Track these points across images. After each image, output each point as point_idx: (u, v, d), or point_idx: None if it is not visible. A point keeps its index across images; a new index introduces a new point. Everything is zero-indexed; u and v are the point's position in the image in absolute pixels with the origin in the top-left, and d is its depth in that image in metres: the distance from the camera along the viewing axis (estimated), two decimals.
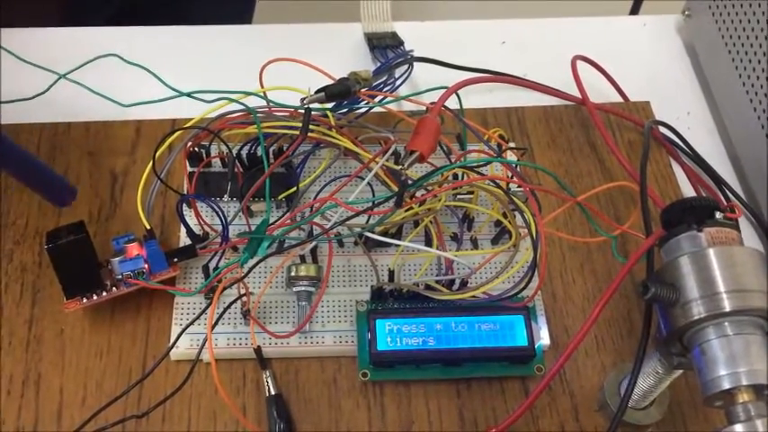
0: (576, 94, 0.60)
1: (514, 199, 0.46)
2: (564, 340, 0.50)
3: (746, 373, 0.36)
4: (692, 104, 0.65)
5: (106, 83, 0.56)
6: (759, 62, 0.58)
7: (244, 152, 0.51)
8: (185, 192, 0.52)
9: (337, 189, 0.48)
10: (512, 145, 0.57)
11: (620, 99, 0.63)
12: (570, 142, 0.60)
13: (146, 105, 0.54)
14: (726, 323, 0.37)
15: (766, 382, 0.36)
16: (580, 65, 0.61)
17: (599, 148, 0.59)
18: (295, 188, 0.51)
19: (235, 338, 0.48)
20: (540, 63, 0.63)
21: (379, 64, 0.60)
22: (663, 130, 0.60)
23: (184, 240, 0.51)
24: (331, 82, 0.49)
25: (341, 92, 0.47)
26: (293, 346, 0.48)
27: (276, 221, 0.48)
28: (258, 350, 0.47)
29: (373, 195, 0.49)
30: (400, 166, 0.42)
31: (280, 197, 0.51)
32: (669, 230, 0.41)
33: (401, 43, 0.63)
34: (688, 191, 0.58)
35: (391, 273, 0.49)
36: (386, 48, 0.62)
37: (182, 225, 0.50)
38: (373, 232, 0.45)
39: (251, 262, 0.46)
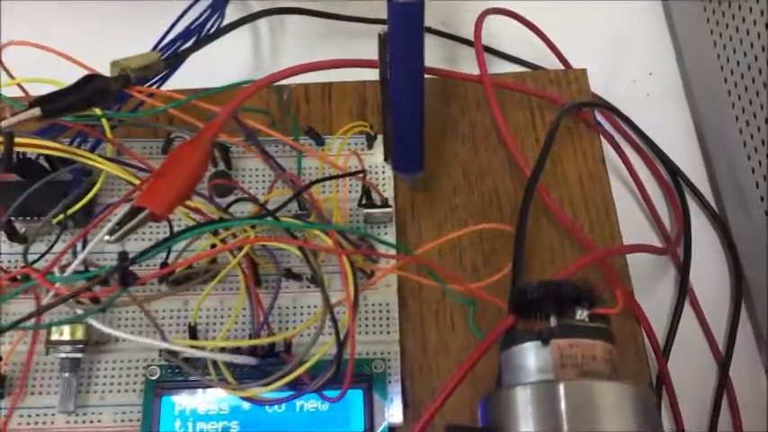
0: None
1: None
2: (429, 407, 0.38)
3: None
4: (658, 63, 0.51)
5: None
6: (733, 17, 0.43)
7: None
8: None
9: (108, 213, 0.35)
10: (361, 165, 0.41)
11: (558, 63, 0.49)
12: (474, 128, 0.45)
13: None
14: None
15: None
16: (505, 22, 0.47)
17: None
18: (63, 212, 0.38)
19: None
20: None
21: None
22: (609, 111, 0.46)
23: None
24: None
25: (80, 102, 0.31)
26: (59, 426, 0.37)
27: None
28: None
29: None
30: (107, 236, 0.27)
31: (55, 221, 0.39)
32: (511, 330, 0.28)
33: None
34: (624, 195, 0.45)
35: (192, 329, 0.37)
36: None
37: None
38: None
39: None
